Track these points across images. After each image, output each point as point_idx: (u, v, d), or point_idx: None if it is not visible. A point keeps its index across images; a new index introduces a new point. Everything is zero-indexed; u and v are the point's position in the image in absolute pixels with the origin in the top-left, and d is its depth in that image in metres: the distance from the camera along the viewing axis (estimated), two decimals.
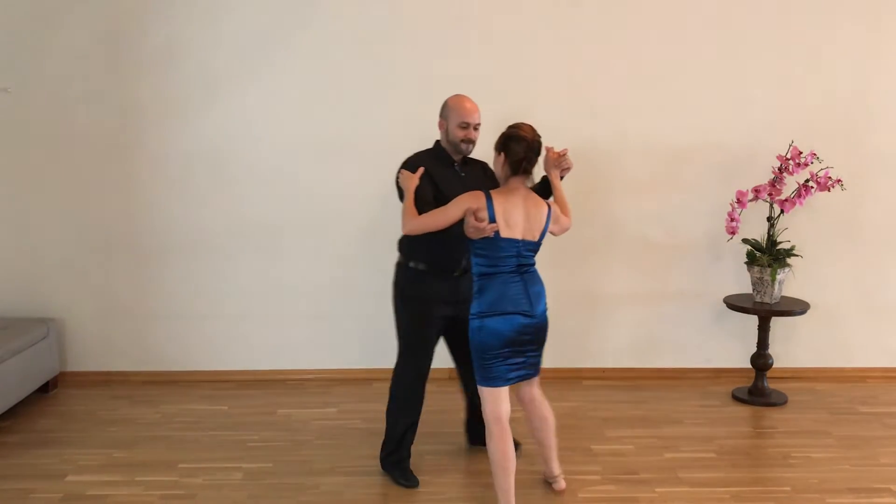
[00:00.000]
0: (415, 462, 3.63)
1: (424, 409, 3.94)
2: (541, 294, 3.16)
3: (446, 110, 3.38)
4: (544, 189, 3.43)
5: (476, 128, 3.36)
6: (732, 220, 4.36)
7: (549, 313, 4.71)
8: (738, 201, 4.35)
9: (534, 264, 3.16)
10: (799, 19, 4.53)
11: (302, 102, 4.51)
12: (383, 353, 4.68)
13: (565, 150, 3.41)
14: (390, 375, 3.60)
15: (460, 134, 3.33)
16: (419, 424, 3.67)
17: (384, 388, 3.82)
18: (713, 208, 4.61)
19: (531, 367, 3.20)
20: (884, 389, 4.67)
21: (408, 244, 3.44)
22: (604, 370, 4.82)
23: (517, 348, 3.10)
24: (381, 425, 3.85)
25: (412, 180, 3.24)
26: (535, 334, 3.14)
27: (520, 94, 4.53)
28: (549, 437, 3.38)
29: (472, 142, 3.37)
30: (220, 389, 4.60)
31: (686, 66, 4.55)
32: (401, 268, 3.49)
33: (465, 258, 3.33)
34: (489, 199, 3.03)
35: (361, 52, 4.46)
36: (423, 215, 3.12)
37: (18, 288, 4.60)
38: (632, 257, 4.72)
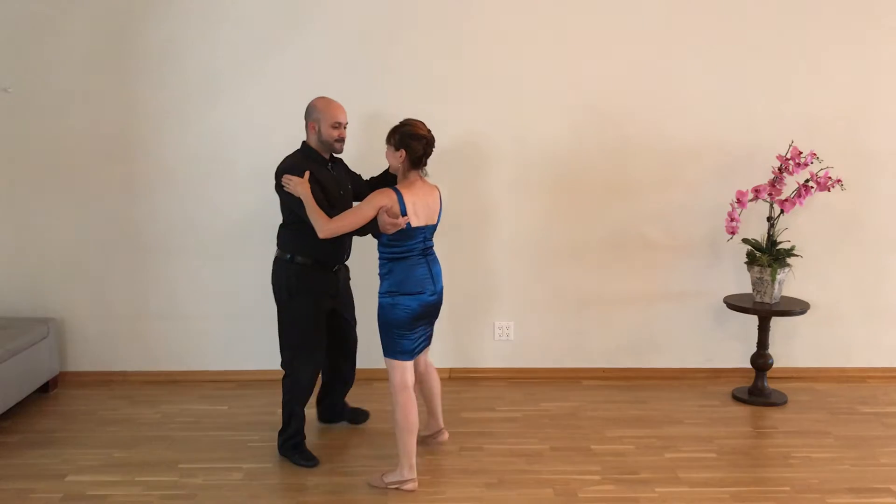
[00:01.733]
0: (415, 462, 3.63)
1: (424, 408, 3.95)
2: (440, 273, 3.49)
3: (316, 112, 3.57)
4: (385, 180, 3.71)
5: (345, 126, 3.61)
6: (732, 220, 4.36)
7: (547, 313, 4.77)
8: (738, 201, 4.35)
9: (433, 245, 3.47)
10: (799, 19, 4.53)
11: (302, 102, 4.49)
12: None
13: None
14: (390, 376, 3.61)
15: (334, 133, 3.56)
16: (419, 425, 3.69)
17: (384, 388, 3.83)
18: (713, 208, 4.61)
19: (429, 339, 3.56)
20: (884, 389, 4.67)
21: (292, 239, 3.58)
22: (604, 370, 4.82)
23: (422, 322, 3.44)
24: (381, 425, 3.87)
25: (305, 185, 3.40)
26: (435, 310, 3.49)
27: (520, 94, 4.54)
28: (438, 396, 3.79)
29: (343, 140, 3.60)
30: (220, 389, 4.60)
31: (686, 66, 4.55)
32: (284, 263, 3.59)
33: (347, 253, 3.72)
34: (399, 194, 3.27)
35: (361, 51, 4.46)
36: (339, 217, 3.32)
37: (18, 288, 4.60)
38: (632, 257, 4.72)
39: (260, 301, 4.65)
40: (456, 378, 4.77)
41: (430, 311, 3.45)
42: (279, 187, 3.47)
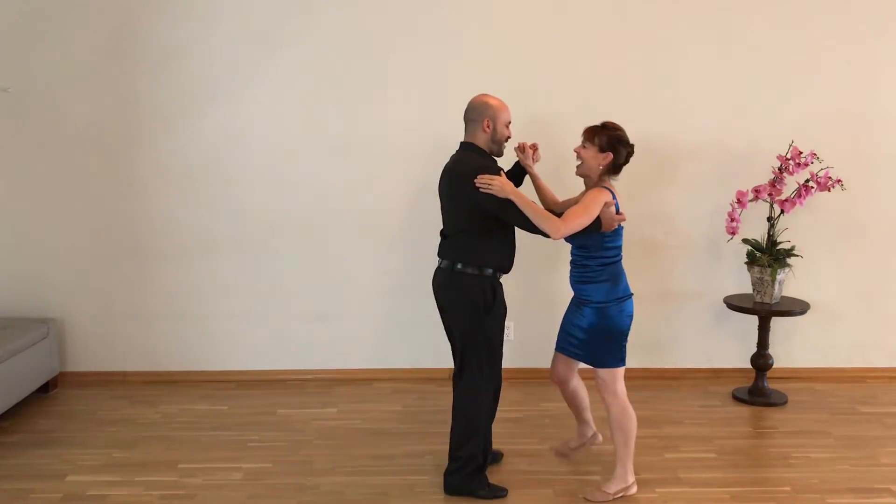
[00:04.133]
0: (415, 462, 3.64)
1: (425, 407, 3.96)
2: None
3: (491, 110, 3.30)
4: (517, 175, 3.60)
5: None
6: (733, 220, 4.36)
7: (547, 313, 4.76)
8: (739, 201, 4.35)
9: None
10: (799, 19, 4.53)
11: (302, 102, 4.51)
12: (383, 353, 4.70)
13: (536, 143, 3.61)
14: (391, 376, 3.61)
15: (507, 132, 3.37)
16: (416, 425, 3.68)
17: (384, 388, 3.85)
18: (713, 208, 4.61)
19: None
20: (884, 389, 4.67)
21: (479, 248, 3.27)
22: None
23: None
24: (382, 425, 3.85)
25: (509, 184, 3.16)
26: None
27: (520, 94, 4.52)
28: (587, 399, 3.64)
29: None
30: (220, 389, 4.60)
31: (686, 66, 4.55)
32: (473, 277, 3.26)
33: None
34: (612, 192, 3.23)
35: (361, 51, 4.46)
36: (570, 217, 3.13)
37: (18, 288, 4.60)
38: (632, 257, 4.68)
39: (260, 301, 4.67)
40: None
41: None
42: (472, 189, 3.13)
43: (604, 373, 3.30)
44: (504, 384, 4.71)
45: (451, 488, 3.33)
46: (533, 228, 3.19)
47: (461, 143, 3.36)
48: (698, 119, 4.58)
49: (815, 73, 4.58)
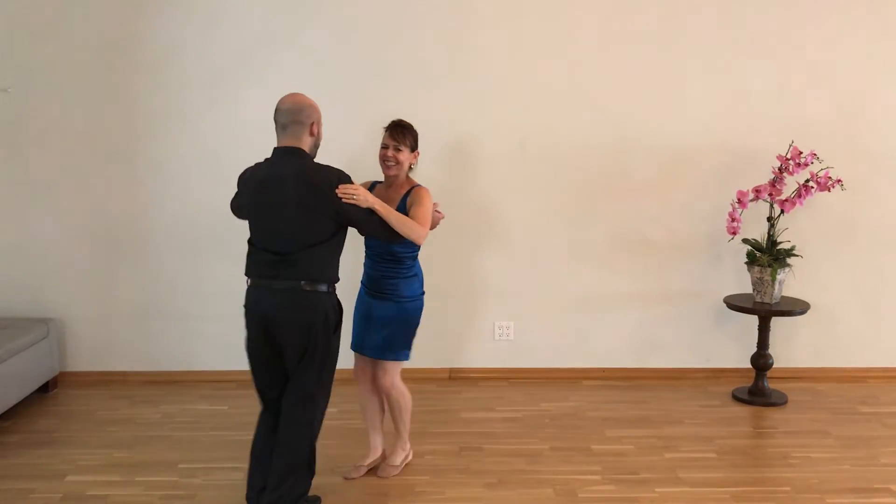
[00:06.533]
0: (415, 462, 3.64)
1: (425, 408, 3.95)
2: None
3: (318, 113, 3.06)
4: None
5: None
6: (733, 220, 4.36)
7: (547, 313, 4.77)
8: (739, 201, 4.35)
9: None
10: (799, 19, 4.53)
11: None
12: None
13: None
14: (392, 375, 3.62)
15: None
16: (416, 425, 3.67)
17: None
18: (713, 208, 4.61)
19: None
20: (884, 389, 4.67)
21: (328, 265, 3.00)
22: (604, 370, 4.82)
23: None
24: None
25: (369, 193, 3.03)
26: None
27: (520, 93, 4.54)
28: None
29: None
30: (220, 389, 4.60)
31: (686, 66, 4.55)
32: (323, 295, 2.97)
33: None
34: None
35: (361, 51, 4.47)
36: (424, 221, 3.21)
37: (18, 288, 4.60)
38: (632, 257, 4.72)
39: None
40: (456, 378, 4.77)
41: None
42: (336, 201, 2.92)
43: (389, 365, 3.39)
44: (504, 384, 4.75)
45: None
46: (392, 237, 3.11)
47: (287, 147, 2.98)
48: (699, 119, 4.58)
49: (816, 72, 4.58)
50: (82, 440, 3.89)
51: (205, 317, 4.67)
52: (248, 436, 3.92)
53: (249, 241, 3.08)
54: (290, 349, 2.99)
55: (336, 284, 3.06)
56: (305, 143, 3.01)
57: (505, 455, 3.71)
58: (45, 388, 4.48)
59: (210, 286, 4.64)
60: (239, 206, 3.20)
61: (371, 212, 3.02)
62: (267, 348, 3.04)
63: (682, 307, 4.77)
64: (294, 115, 2.97)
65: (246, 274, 3.05)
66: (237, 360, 4.71)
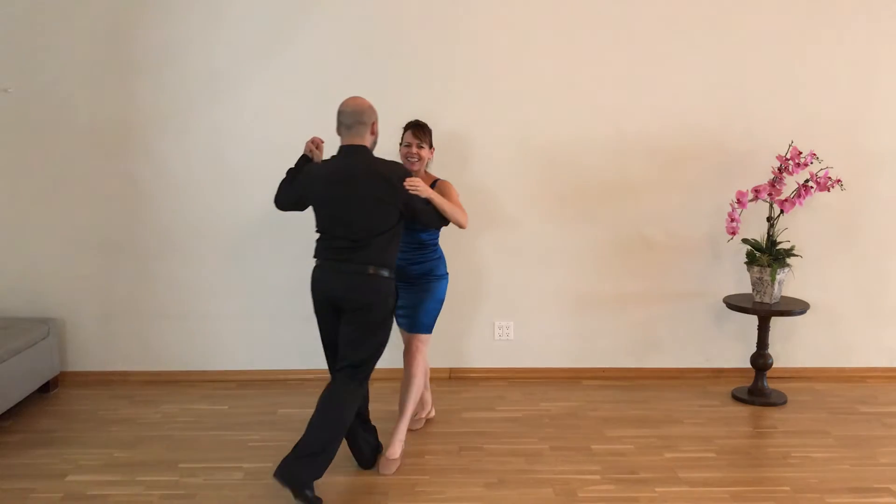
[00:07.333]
0: (415, 462, 3.64)
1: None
2: None
3: (376, 115, 3.43)
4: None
5: None
6: (732, 220, 4.36)
7: (547, 313, 4.77)
8: (738, 201, 4.36)
9: None
10: (799, 19, 4.53)
11: (302, 102, 4.51)
12: (383, 353, 4.70)
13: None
14: (390, 375, 3.63)
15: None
16: (416, 424, 3.69)
17: (384, 388, 3.85)
18: (713, 208, 4.61)
19: None
20: (884, 389, 4.67)
21: (391, 255, 3.33)
22: (604, 370, 4.82)
23: None
24: (382, 425, 3.84)
25: (426, 185, 3.40)
26: None
27: (520, 93, 4.54)
28: None
29: None
30: (220, 389, 4.60)
31: (686, 66, 4.55)
32: (390, 282, 3.35)
33: None
34: None
35: (362, 51, 4.47)
36: (460, 206, 3.55)
37: (18, 288, 4.60)
38: (632, 257, 4.72)
39: (260, 301, 4.67)
40: (456, 378, 4.78)
41: None
42: (405, 193, 3.27)
43: (422, 338, 3.71)
44: (504, 384, 4.77)
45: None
46: (441, 223, 3.50)
47: (353, 145, 3.33)
48: (698, 119, 4.59)
49: (815, 73, 4.58)
50: (83, 440, 3.89)
51: (205, 317, 4.67)
52: (249, 436, 3.95)
53: (321, 227, 3.37)
54: (354, 324, 3.30)
55: (394, 270, 3.39)
56: (367, 141, 3.37)
57: (505, 455, 3.71)
58: (45, 388, 4.48)
59: (210, 286, 4.64)
60: (298, 199, 3.48)
61: (428, 202, 3.37)
62: (334, 322, 3.37)
63: (681, 307, 4.77)
64: (358, 116, 3.33)
65: (315, 256, 3.39)
66: (237, 360, 4.76)
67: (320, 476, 3.19)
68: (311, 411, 4.26)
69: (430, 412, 4.08)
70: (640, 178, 4.65)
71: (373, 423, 3.66)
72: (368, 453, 3.56)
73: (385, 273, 3.30)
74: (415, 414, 3.91)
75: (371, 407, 4.18)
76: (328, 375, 4.79)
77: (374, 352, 3.36)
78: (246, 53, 4.46)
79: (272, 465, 3.59)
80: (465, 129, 4.55)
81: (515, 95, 4.54)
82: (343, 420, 3.27)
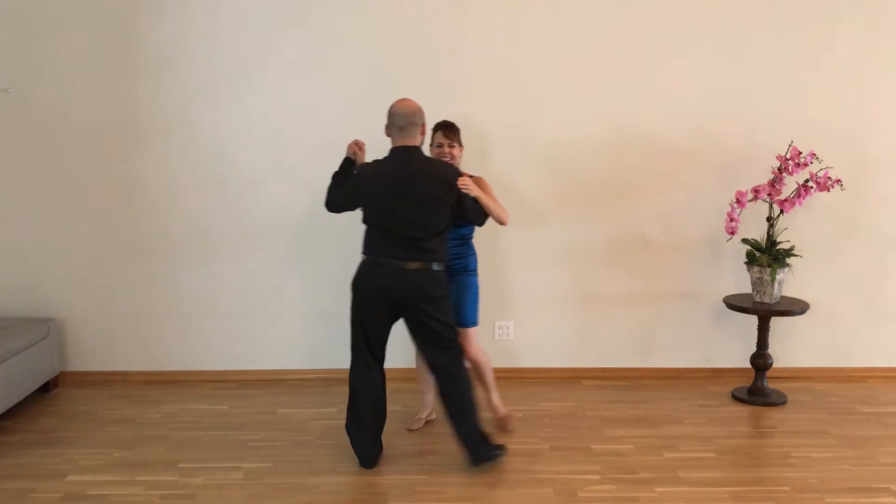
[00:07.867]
0: (415, 462, 3.64)
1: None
2: None
3: (424, 117, 3.56)
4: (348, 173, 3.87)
5: None
6: (732, 220, 4.36)
7: (547, 313, 4.77)
8: (738, 201, 4.36)
9: None
10: (799, 19, 4.53)
11: (303, 102, 4.51)
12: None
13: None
14: (390, 376, 3.63)
15: None
16: (416, 424, 3.69)
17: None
18: (713, 208, 4.61)
19: None
20: (884, 389, 4.67)
21: (445, 251, 3.53)
22: (604, 370, 4.82)
23: None
24: (391, 425, 3.84)
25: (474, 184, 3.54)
26: None
27: (520, 93, 4.54)
28: None
29: None
30: (220, 389, 4.60)
31: (686, 66, 4.55)
32: (444, 275, 3.55)
33: None
34: None
35: (362, 51, 4.47)
36: (500, 203, 3.67)
37: (18, 288, 4.60)
38: (632, 257, 4.72)
39: (260, 301, 4.67)
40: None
41: None
42: (457, 191, 3.46)
43: (469, 332, 3.80)
44: (504, 384, 4.75)
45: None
46: (484, 220, 3.63)
47: (407, 147, 3.49)
48: (698, 119, 4.58)
49: (815, 72, 4.58)
50: (83, 440, 3.89)
51: (205, 317, 4.67)
52: (249, 436, 3.95)
53: (378, 226, 3.46)
54: (426, 318, 3.46)
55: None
56: (418, 141, 3.52)
57: (505, 455, 3.71)
58: (45, 388, 4.48)
59: (210, 286, 4.64)
60: (349, 201, 3.58)
61: (475, 200, 3.52)
62: (386, 319, 3.53)
63: (681, 307, 4.77)
64: (410, 117, 3.48)
65: (367, 254, 3.50)
66: (237, 360, 4.76)
67: (479, 422, 3.52)
68: (311, 411, 4.29)
69: (430, 413, 4.08)
70: (640, 177, 4.65)
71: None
72: (374, 452, 3.63)
73: (440, 268, 3.49)
74: (429, 415, 4.08)
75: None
76: (328, 375, 4.84)
77: (454, 325, 3.56)
78: (246, 53, 4.46)
79: (272, 465, 3.61)
80: (464, 130, 4.53)
81: (516, 96, 4.53)
82: (468, 383, 3.53)
